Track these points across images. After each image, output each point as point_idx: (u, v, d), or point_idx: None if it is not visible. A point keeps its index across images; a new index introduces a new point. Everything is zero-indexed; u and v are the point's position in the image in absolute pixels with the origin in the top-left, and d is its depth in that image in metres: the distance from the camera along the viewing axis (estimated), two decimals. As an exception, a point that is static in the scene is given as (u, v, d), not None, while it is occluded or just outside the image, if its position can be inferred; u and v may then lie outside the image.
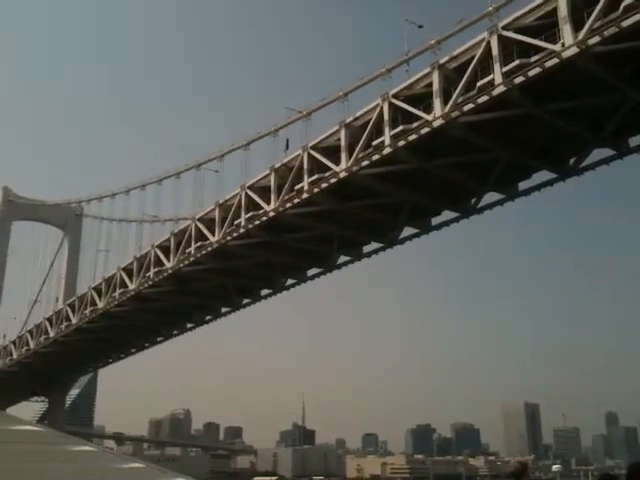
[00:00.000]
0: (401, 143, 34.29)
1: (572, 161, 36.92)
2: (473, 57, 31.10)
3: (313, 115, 41.68)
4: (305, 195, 39.90)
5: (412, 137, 33.78)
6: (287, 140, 43.33)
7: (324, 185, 38.76)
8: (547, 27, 28.63)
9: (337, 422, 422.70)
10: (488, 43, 30.39)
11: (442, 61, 32.74)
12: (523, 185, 39.44)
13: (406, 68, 35.76)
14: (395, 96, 35.09)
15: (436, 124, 32.49)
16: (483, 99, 30.59)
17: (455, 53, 32.41)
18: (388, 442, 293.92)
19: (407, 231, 46.27)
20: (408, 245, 46.65)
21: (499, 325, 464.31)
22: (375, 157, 35.67)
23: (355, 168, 36.71)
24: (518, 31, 29.63)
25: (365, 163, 36.27)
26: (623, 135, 34.57)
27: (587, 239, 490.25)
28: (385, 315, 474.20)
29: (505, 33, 29.84)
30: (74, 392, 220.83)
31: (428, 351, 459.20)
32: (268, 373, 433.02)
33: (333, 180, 38.17)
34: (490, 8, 30.95)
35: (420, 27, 36.33)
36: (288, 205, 41.26)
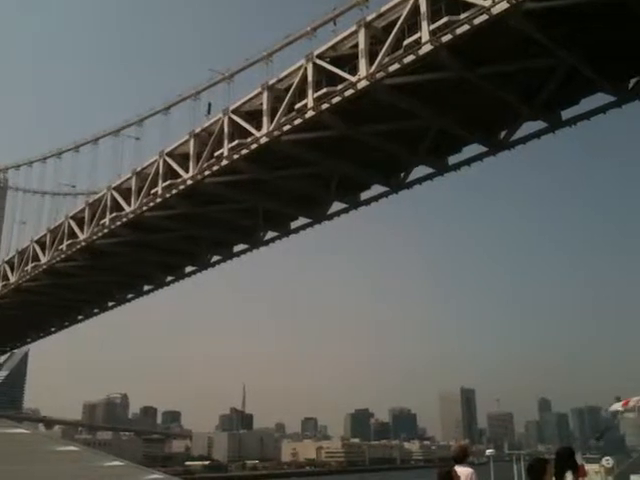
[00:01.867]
0: (325, 106, 32.03)
1: (503, 134, 35.43)
2: (401, 14, 29.01)
3: (238, 78, 39.03)
4: (225, 162, 37.29)
5: (336, 100, 31.55)
6: (209, 104, 40.63)
7: (244, 151, 36.20)
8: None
9: (278, 407, 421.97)
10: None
11: (369, 18, 30.56)
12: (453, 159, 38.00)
13: (332, 28, 33.49)
14: (320, 57, 32.76)
15: (360, 85, 30.33)
16: (409, 59, 28.56)
17: (382, 10, 30.26)
18: (328, 426, 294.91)
19: (336, 206, 44.39)
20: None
21: (442, 314, 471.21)
22: (297, 121, 33.34)
23: (276, 133, 34.27)
24: (449, -14, 27.67)
25: (287, 128, 33.88)
26: (555, 107, 33.18)
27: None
28: (333, 299, 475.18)
29: (435, -12, 27.84)
30: (2, 374, 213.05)
31: (372, 340, 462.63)
32: (212, 356, 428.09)
33: (254, 146, 35.67)
34: (420, -37, 28.87)
35: (350, -15, 33.92)
36: (207, 173, 38.57)
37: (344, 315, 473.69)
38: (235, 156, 36.56)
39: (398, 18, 29.19)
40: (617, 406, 18.07)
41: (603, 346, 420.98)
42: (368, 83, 29.96)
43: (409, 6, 28.63)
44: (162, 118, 44.57)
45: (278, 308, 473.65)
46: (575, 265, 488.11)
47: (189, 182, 39.59)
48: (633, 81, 31.11)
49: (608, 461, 16.02)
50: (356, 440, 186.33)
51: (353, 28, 31.23)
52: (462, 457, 7.96)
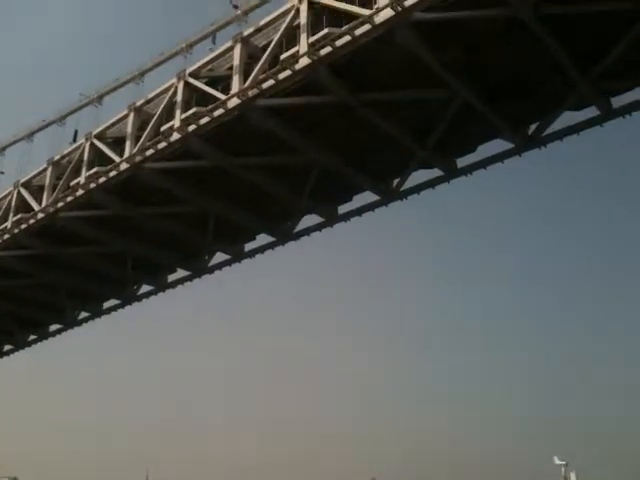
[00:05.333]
0: (191, 128, 27.90)
1: (396, 182, 32.13)
2: (280, 28, 25.81)
3: (108, 101, 34.65)
4: (80, 192, 32.24)
5: (204, 120, 27.51)
6: (75, 131, 35.88)
7: (102, 180, 31.39)
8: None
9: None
10: (297, 11, 25.23)
11: (246, 33, 27.23)
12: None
13: (210, 47, 29.97)
14: (194, 76, 28.92)
15: (231, 104, 26.47)
16: (285, 74, 25.03)
17: (261, 24, 26.99)
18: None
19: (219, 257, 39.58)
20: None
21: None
22: (162, 145, 28.95)
23: (139, 158, 29.74)
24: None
25: (150, 152, 29.43)
26: (451, 153, 30.27)
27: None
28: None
29: (317, -1, 24.82)
30: None
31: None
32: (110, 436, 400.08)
33: (113, 173, 30.93)
34: (303, -28, 25.94)
35: (235, 7, 30.73)
36: (60, 205, 33.35)
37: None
38: (92, 185, 31.64)
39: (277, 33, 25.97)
40: None
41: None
42: (239, 102, 26.13)
43: (288, 18, 25.48)
44: (25, 146, 39.19)
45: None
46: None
47: (40, 216, 34.20)
48: (533, 127, 28.61)
49: None
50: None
51: (229, 44, 27.77)
52: None
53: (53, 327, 49.04)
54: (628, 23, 22.40)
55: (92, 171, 31.64)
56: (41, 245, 37.08)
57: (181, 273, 41.12)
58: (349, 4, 23.96)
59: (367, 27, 22.71)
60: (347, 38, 23.22)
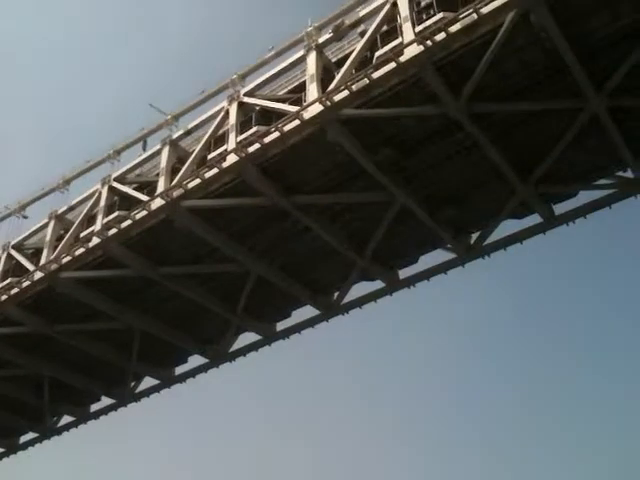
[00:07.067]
0: (112, 232, 25.85)
1: (336, 295, 30.13)
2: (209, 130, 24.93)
3: (32, 212, 32.76)
4: (-10, 305, 29.41)
5: (126, 224, 25.56)
6: (-5, 244, 33.57)
7: (15, 291, 28.66)
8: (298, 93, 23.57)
9: None
10: (227, 112, 24.42)
11: (175, 136, 26.22)
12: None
13: (139, 153, 28.79)
14: (121, 181, 27.47)
15: (154, 205, 24.74)
16: (211, 173, 23.65)
17: (190, 126, 26.11)
18: None
19: (149, 382, 36.12)
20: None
21: None
22: (80, 251, 26.71)
23: (54, 267, 27.34)
24: (265, 98, 24.15)
25: (67, 259, 27.10)
26: (392, 264, 28.71)
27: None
28: None
29: (247, 100, 24.09)
30: None
31: None
32: None
33: (27, 283, 28.31)
34: (234, 76, 25.49)
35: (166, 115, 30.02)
36: (-33, 320, 30.29)
37: None
38: (3, 297, 28.87)
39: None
40: None
41: None
42: (163, 202, 24.45)
43: (218, 120, 24.63)
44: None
45: None
46: None
47: (-56, 333, 30.91)
48: (475, 236, 27.36)
49: None
50: None
51: (157, 147, 26.64)
52: None
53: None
54: (567, 122, 21.75)
55: (4, 283, 29.05)
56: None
57: (106, 401, 37.40)
58: (280, 103, 23.25)
59: (296, 123, 21.69)
60: (276, 134, 22.13)
